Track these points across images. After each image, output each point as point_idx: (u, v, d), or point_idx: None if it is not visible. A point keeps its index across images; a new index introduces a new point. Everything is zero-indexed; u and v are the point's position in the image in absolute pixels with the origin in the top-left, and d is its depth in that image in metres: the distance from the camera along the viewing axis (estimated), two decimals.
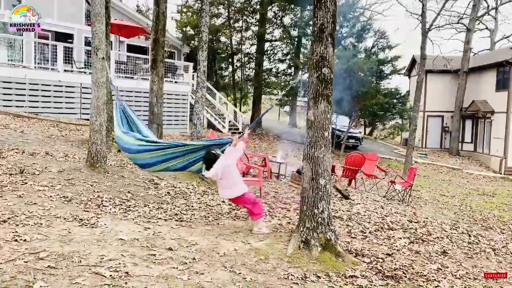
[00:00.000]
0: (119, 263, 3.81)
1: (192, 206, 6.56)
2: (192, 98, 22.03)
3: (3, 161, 7.15)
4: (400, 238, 6.58)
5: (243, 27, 26.69)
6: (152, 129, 11.38)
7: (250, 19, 26.53)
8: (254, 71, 27.44)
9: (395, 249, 5.86)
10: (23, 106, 14.36)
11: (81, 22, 19.75)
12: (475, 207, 12.13)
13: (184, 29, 26.91)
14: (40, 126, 12.13)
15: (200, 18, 9.62)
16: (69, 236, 4.32)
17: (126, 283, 3.46)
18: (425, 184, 16.57)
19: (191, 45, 25.40)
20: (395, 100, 21.96)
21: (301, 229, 4.94)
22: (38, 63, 15.95)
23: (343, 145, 22.06)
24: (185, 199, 6.99)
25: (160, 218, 5.54)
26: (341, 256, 4.80)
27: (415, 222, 8.12)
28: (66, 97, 15.55)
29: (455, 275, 5.02)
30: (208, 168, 5.24)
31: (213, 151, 5.33)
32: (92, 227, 4.73)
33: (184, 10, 26.93)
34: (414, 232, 7.19)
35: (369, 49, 22.87)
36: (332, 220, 4.96)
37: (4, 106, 13.95)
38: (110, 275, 3.54)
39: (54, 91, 15.31)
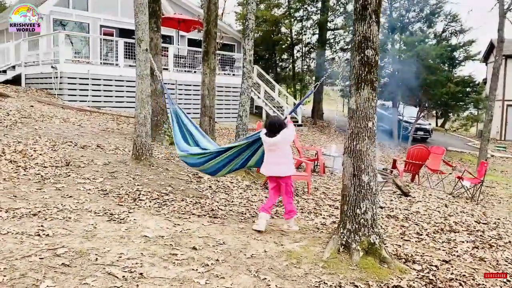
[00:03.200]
0: (137, 263, 3.58)
1: (232, 202, 6.27)
2: (252, 91, 21.93)
3: (53, 154, 7.31)
4: (463, 241, 5.82)
5: (304, 17, 25.99)
6: (203, 121, 11.29)
7: (311, 7, 25.77)
8: (315, 61, 26.68)
9: (454, 254, 5.15)
10: (86, 101, 14.94)
11: None
12: None
13: (244, 21, 26.75)
14: (100, 120, 12.50)
15: (247, 5, 9.26)
16: (93, 232, 4.18)
17: (138, 285, 3.21)
18: (502, 180, 15.05)
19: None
20: (468, 89, 20.22)
21: (341, 231, 4.43)
22: (104, 59, 16.54)
23: (411, 138, 20.75)
24: (226, 193, 6.72)
25: (194, 214, 5.29)
26: (387, 262, 4.24)
27: (484, 224, 7.23)
28: (127, 91, 15.97)
29: None
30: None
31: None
32: (120, 222, 4.58)
33: (245, 2, 26.74)
34: (481, 235, 6.36)
35: (439, 34, 21.16)
36: (377, 222, 4.40)
37: (69, 101, 14.59)
38: (123, 276, 3.32)
39: (116, 85, 15.79)
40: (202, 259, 3.80)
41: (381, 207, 7.33)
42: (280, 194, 5.17)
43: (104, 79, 15.52)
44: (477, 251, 5.48)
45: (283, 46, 26.05)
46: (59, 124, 10.53)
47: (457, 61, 20.44)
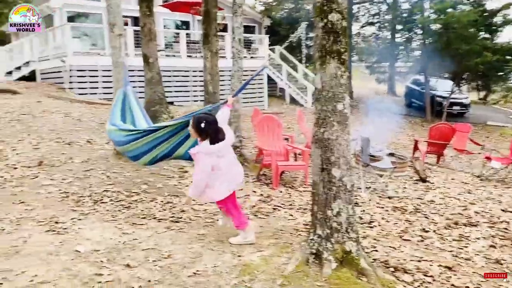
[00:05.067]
0: None
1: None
2: (270, 70, 21.03)
3: (32, 153, 6.90)
4: (478, 238, 4.90)
5: None
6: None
7: None
8: None
9: (463, 257, 4.27)
10: (96, 93, 14.64)
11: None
12: None
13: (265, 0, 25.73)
14: (106, 113, 12.10)
15: None
16: (19, 247, 3.64)
17: None
18: None
19: (271, 16, 24.16)
20: (508, 57, 18.38)
21: (311, 238, 3.67)
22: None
23: (445, 113, 19.20)
24: None
25: (155, 218, 4.67)
26: (366, 275, 3.44)
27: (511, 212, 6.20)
28: (138, 81, 15.53)
29: None
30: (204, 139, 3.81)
31: (204, 113, 3.99)
32: (59, 233, 4.02)
33: None
34: (504, 229, 5.39)
35: None
36: (354, 225, 3.60)
37: (79, 94, 14.34)
38: None
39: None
40: (131, 281, 3.17)
41: (389, 197, 6.45)
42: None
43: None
44: (493, 250, 4.56)
45: (307, 23, 24.82)
46: (58, 119, 10.18)
47: (493, 27, 18.60)
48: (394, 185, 7.23)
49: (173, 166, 6.89)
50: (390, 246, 4.33)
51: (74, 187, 5.50)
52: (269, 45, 23.21)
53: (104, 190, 5.46)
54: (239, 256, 3.68)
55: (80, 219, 4.42)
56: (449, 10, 17.42)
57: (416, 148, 9.75)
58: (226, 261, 3.58)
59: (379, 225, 5.04)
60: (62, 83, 14.92)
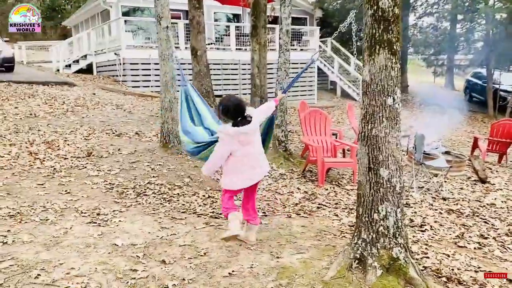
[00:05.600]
0: (83, 282, 2.98)
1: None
2: (321, 63, 20.55)
3: (82, 144, 7.08)
4: None
5: None
6: (255, 102, 10.52)
7: None
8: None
9: None
10: (149, 86, 14.94)
11: None
12: None
13: None
14: (155, 105, 12.32)
15: None
16: (59, 238, 3.68)
17: None
18: None
19: (324, 8, 23.59)
20: None
21: (355, 241, 3.43)
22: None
23: (509, 109, 17.88)
24: None
25: (195, 213, 4.60)
26: (415, 284, 3.17)
27: None
28: (189, 74, 15.70)
29: None
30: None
31: (228, 96, 3.82)
32: (100, 225, 4.03)
33: None
34: None
35: None
36: (403, 230, 3.32)
37: (132, 87, 14.70)
38: None
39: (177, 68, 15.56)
40: (165, 278, 3.09)
41: (444, 199, 6.02)
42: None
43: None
44: None
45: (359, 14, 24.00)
46: (110, 111, 10.46)
47: None
48: (449, 186, 6.76)
49: None
50: (443, 253, 3.99)
51: (120, 179, 5.55)
52: (321, 37, 22.71)
53: (148, 183, 5.47)
54: (277, 257, 3.51)
55: (121, 211, 4.43)
56: None
57: (475, 146, 9.10)
58: (263, 262, 3.42)
59: (432, 229, 4.68)
60: (117, 76, 15.36)
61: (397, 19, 3.22)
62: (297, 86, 18.60)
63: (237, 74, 16.84)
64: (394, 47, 3.22)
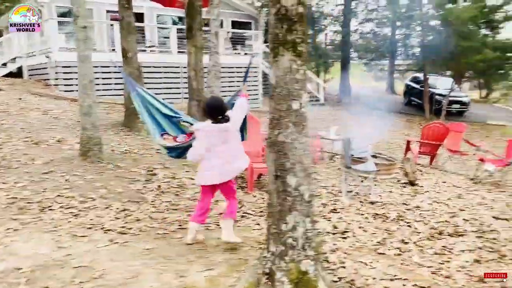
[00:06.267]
0: None
1: (177, 205, 5.14)
2: (266, 67, 20.51)
3: None
4: (463, 251, 4.43)
5: None
6: (192, 106, 10.21)
7: None
8: (340, 34, 24.80)
9: (442, 274, 3.80)
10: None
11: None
12: None
13: None
14: None
15: None
16: None
17: None
18: None
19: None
20: (509, 54, 17.80)
21: (264, 255, 3.22)
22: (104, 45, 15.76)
23: (444, 112, 18.62)
24: (176, 194, 5.61)
25: (103, 228, 4.22)
26: None
27: (504, 219, 5.73)
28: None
29: None
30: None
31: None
32: None
33: None
34: (493, 239, 4.92)
35: None
36: (313, 241, 3.14)
37: (65, 91, 13.92)
38: None
39: (115, 72, 14.92)
40: None
41: (372, 203, 5.98)
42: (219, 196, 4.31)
43: (102, 66, 14.68)
44: (478, 266, 4.09)
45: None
46: (35, 117, 9.77)
47: (494, 24, 18.02)
48: (379, 189, 6.77)
49: (142, 168, 6.45)
50: (361, 261, 3.87)
51: (26, 192, 5.06)
52: (266, 41, 22.73)
53: (58, 196, 5.02)
54: (182, 276, 3.23)
55: (17, 230, 3.98)
56: (449, 5, 16.87)
57: (408, 148, 9.26)
58: (165, 282, 3.13)
59: (354, 236, 4.57)
60: (48, 79, 14.50)
61: (301, 19, 3.05)
62: None
63: (179, 78, 16.42)
64: (299, 48, 3.05)
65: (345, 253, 4.07)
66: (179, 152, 4.58)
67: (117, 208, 4.83)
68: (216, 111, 3.85)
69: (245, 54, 19.07)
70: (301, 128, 3.11)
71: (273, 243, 3.16)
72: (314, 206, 3.22)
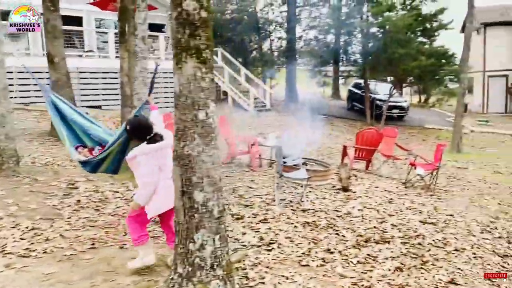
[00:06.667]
0: None
1: (94, 221, 4.80)
2: (216, 75, 20.22)
3: None
4: (387, 258, 4.42)
5: None
6: (125, 113, 9.78)
7: None
8: (285, 41, 25.01)
9: (363, 285, 3.75)
10: (12, 97, 13.31)
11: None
12: None
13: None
14: (20, 117, 10.92)
15: None
16: None
17: None
18: (478, 159, 13.66)
19: (213, 18, 23.47)
20: (443, 61, 18.67)
21: (171, 277, 3.01)
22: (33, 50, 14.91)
23: (384, 117, 19.17)
24: (96, 209, 5.25)
25: (2, 251, 3.83)
26: None
27: (431, 223, 5.85)
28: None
29: None
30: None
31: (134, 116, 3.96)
32: None
33: None
34: (419, 244, 4.98)
35: (410, 3, 19.39)
36: (223, 260, 2.97)
37: None
38: None
39: (47, 78, 14.15)
40: None
41: (304, 210, 5.91)
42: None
43: (35, 72, 13.80)
44: (400, 274, 4.08)
45: (247, 26, 24.31)
46: None
47: (429, 32, 18.85)
48: (314, 196, 6.73)
49: (63, 181, 6.03)
50: (282, 275, 3.74)
51: None
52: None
53: None
54: None
55: None
56: (386, 13, 17.43)
57: (345, 154, 9.36)
58: None
59: (279, 247, 4.45)
60: None
61: (205, 24, 2.88)
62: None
63: (117, 84, 15.81)
64: (204, 54, 2.88)
65: (267, 267, 3.93)
66: (93, 165, 4.27)
67: (26, 227, 4.43)
68: (144, 131, 3.48)
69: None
70: (209, 140, 2.93)
71: (181, 264, 2.96)
72: (224, 222, 3.05)
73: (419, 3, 18.63)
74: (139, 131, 3.49)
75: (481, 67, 25.45)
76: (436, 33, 19.25)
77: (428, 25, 18.73)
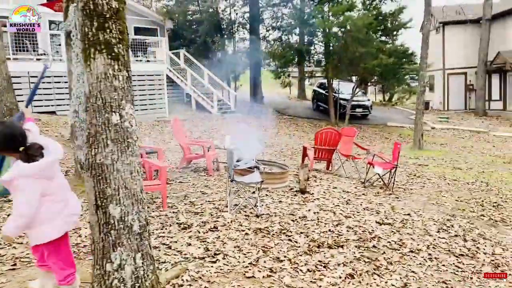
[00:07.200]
0: None
1: None
2: (174, 74, 19.78)
3: None
4: (339, 265, 4.19)
5: None
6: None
7: None
8: (248, 41, 24.82)
9: None
10: None
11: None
12: (493, 183, 9.40)
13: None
14: None
15: None
16: None
17: None
18: (439, 155, 13.80)
19: (174, 19, 22.99)
20: (404, 59, 18.86)
21: None
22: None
23: (348, 116, 19.21)
24: None
25: None
26: None
27: (387, 224, 5.68)
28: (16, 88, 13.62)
29: None
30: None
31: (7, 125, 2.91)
32: None
33: None
34: (373, 247, 4.79)
35: (370, 2, 19.51)
36: (146, 281, 2.64)
37: None
38: None
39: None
40: None
41: (257, 216, 5.64)
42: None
43: None
44: (350, 281, 3.86)
45: (209, 26, 23.95)
46: None
47: (389, 31, 19.02)
48: (270, 200, 6.47)
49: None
50: None
51: None
52: (174, 48, 22.03)
53: None
54: None
55: None
56: (347, 13, 17.44)
57: (305, 154, 9.17)
58: None
59: (225, 258, 4.15)
60: None
61: (117, 15, 2.56)
62: (145, 101, 17.55)
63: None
64: (116, 50, 2.55)
65: (208, 281, 3.63)
66: None
67: None
68: (16, 141, 2.67)
69: (148, 61, 18.25)
70: (125, 146, 2.61)
71: (97, 286, 2.61)
72: (148, 237, 2.72)
73: (379, 2, 18.77)
74: (8, 141, 2.67)
75: (441, 65, 26.01)
76: (396, 32, 19.43)
77: (388, 24, 18.88)
